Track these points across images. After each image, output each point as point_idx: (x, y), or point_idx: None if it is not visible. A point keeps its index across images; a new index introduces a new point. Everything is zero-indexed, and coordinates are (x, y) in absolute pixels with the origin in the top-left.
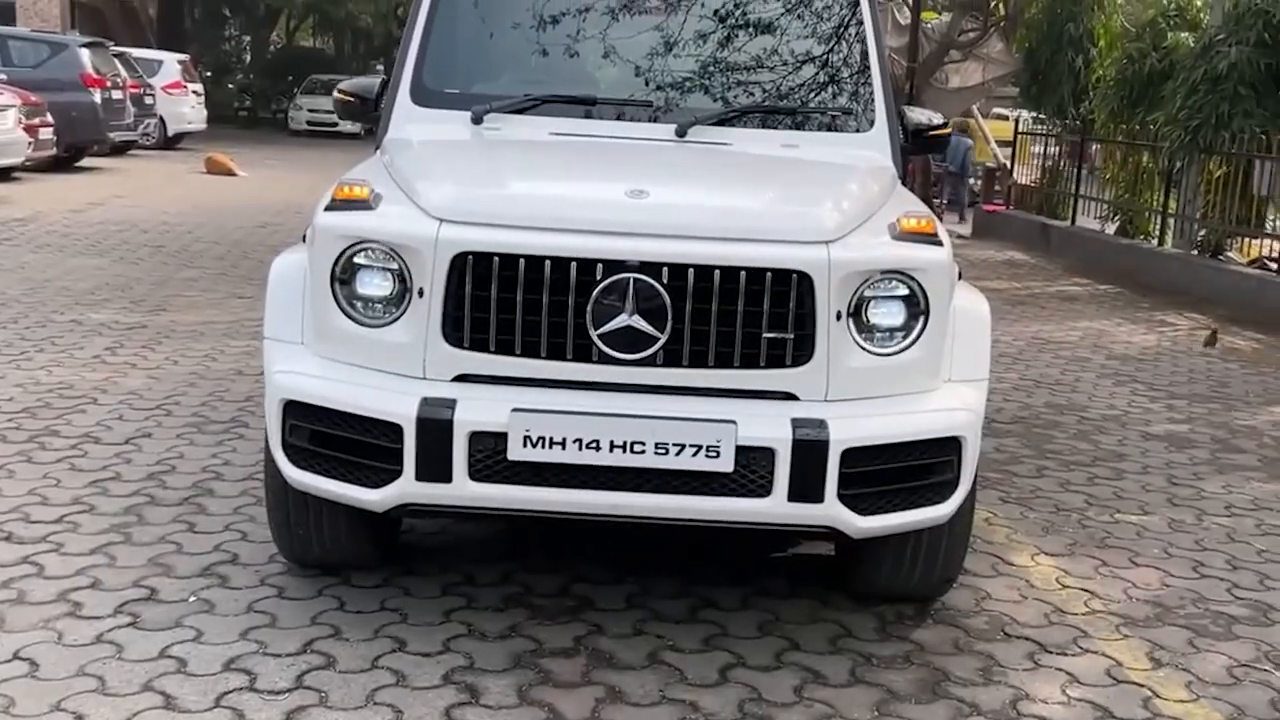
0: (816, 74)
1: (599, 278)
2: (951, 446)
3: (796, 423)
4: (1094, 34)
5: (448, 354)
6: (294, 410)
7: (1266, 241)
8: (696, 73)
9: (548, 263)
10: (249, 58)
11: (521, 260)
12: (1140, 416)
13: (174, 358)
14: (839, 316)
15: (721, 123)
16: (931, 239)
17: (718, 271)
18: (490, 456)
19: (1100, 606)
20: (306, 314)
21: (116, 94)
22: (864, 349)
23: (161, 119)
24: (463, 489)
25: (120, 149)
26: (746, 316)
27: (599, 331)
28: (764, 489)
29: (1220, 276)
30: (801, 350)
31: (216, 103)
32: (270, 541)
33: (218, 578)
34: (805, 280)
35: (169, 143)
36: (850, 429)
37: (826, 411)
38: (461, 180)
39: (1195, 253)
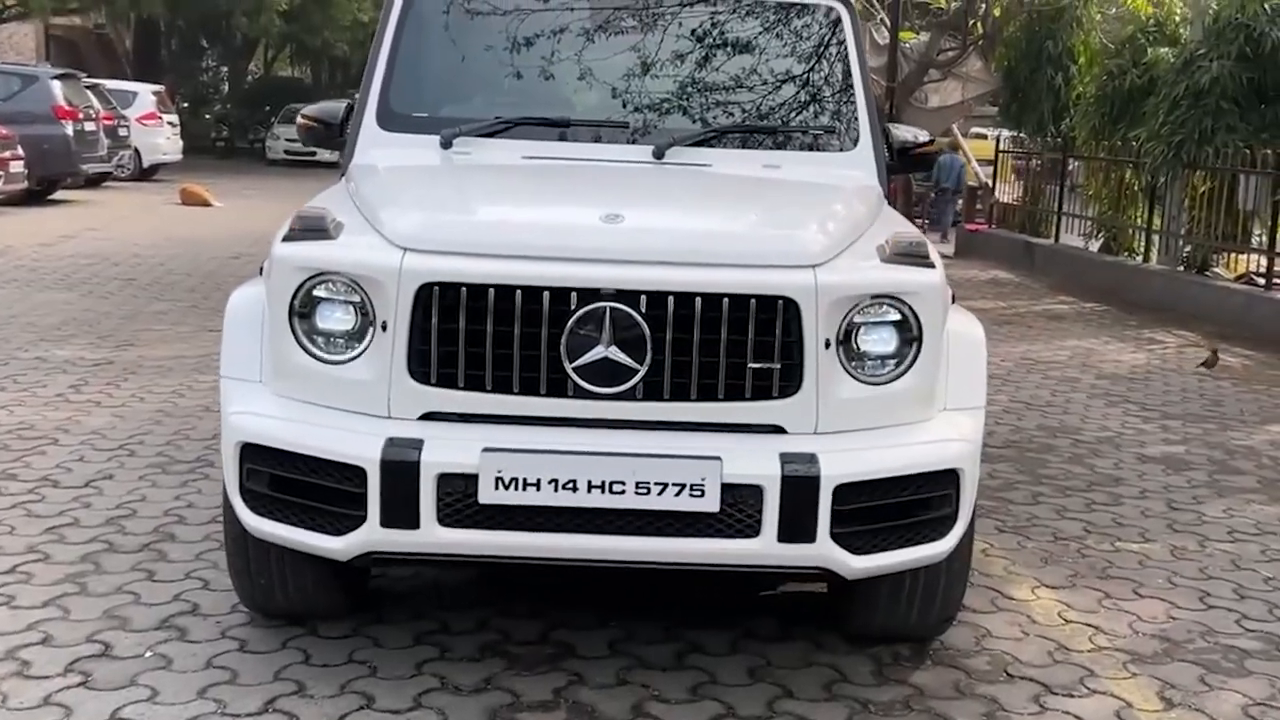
0: (798, 92)
1: (573, 307)
2: (949, 480)
3: (785, 458)
4: (1073, 51)
5: (413, 391)
6: (251, 453)
7: (1253, 256)
8: (674, 93)
9: (518, 292)
10: (226, 88)
11: (491, 290)
12: (1135, 438)
13: (140, 394)
14: (828, 344)
15: (701, 143)
16: (923, 261)
17: (699, 299)
18: (460, 500)
19: (1106, 642)
20: (265, 351)
21: (89, 126)
22: (854, 378)
23: (136, 150)
24: (431, 535)
25: (95, 181)
26: (730, 346)
27: (574, 364)
28: (752, 529)
29: (1207, 293)
30: (789, 381)
31: (193, 133)
32: (233, 590)
33: (176, 630)
34: (791, 307)
35: (144, 174)
36: (842, 463)
37: (817, 445)
38: (427, 207)
39: (1181, 269)
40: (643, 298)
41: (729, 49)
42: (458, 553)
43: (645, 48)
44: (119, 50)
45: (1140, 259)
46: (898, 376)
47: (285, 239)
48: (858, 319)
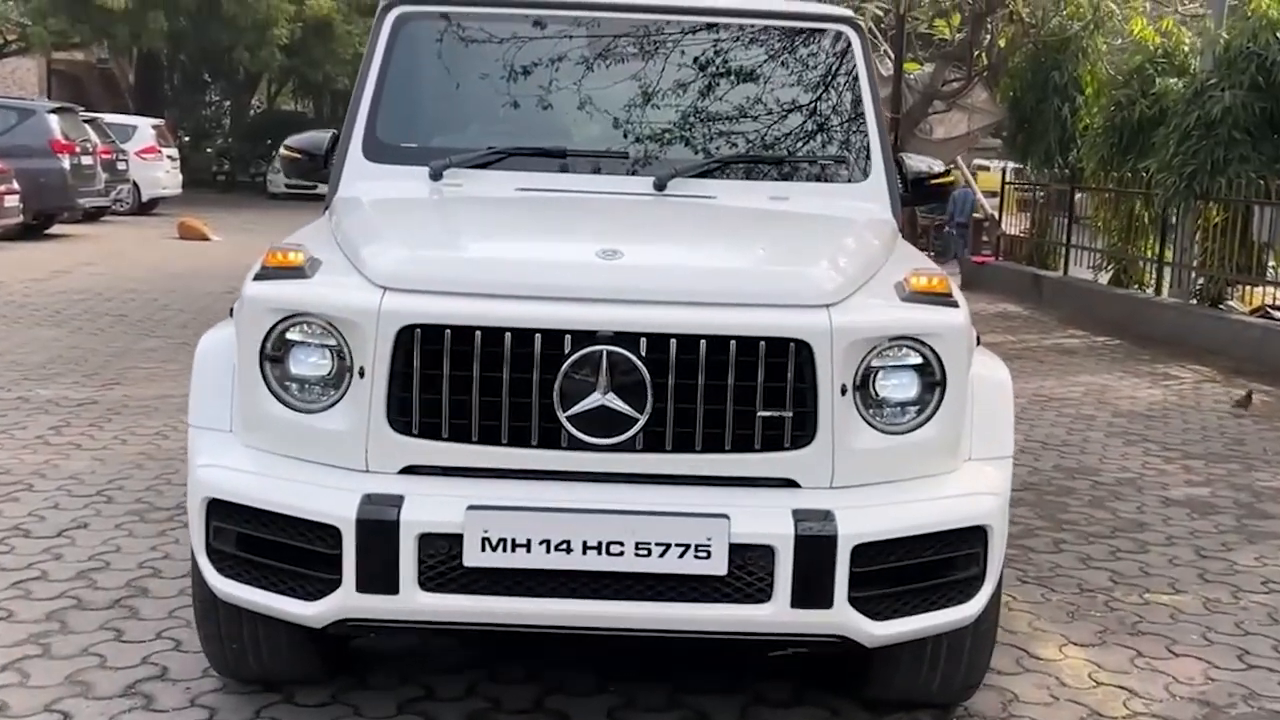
0: (806, 120)
1: (567, 351)
2: (976, 537)
3: (799, 515)
4: (1080, 82)
5: (393, 442)
6: (218, 511)
7: (1269, 290)
8: (676, 123)
9: (507, 335)
10: (229, 122)
11: (477, 333)
12: (1156, 479)
13: (123, 436)
14: (844, 390)
15: (704, 175)
16: (945, 299)
17: (704, 341)
18: (443, 562)
19: (1141, 708)
20: (234, 399)
21: (87, 159)
22: (873, 427)
23: (135, 184)
24: (412, 601)
25: (93, 216)
26: (738, 392)
27: (568, 413)
28: (763, 593)
29: (1222, 326)
30: (802, 430)
31: (194, 167)
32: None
33: (142, 698)
34: (804, 350)
35: (143, 208)
36: (861, 521)
37: (833, 500)
38: (411, 243)
39: (1194, 302)
40: (643, 340)
41: (733, 76)
42: (440, 620)
43: (645, 76)
44: (122, 85)
45: (1152, 292)
46: (919, 425)
47: (257, 277)
48: (875, 363)
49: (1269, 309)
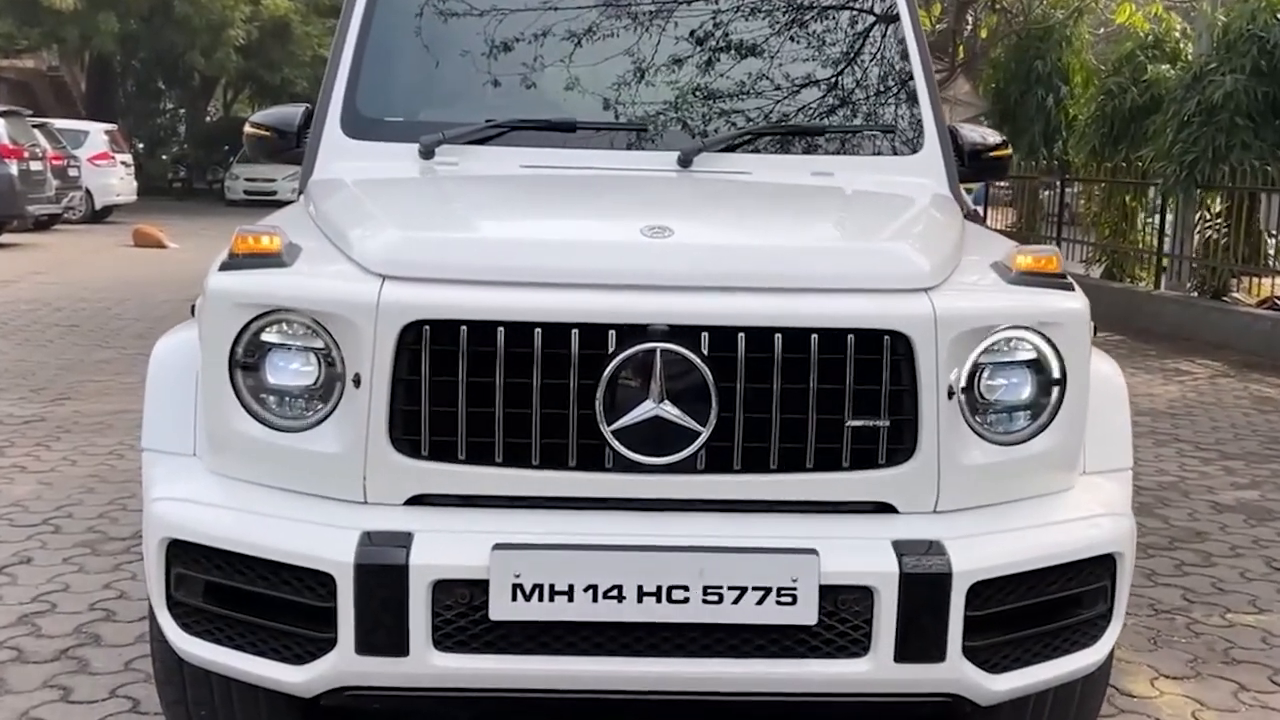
0: (849, 87)
1: (612, 349)
2: (1104, 568)
3: (902, 548)
4: (1065, 71)
5: (398, 467)
6: (181, 554)
7: (1277, 280)
8: (700, 91)
9: (538, 331)
10: (184, 129)
11: (500, 329)
12: (1200, 483)
13: (72, 457)
14: (950, 394)
15: (732, 149)
16: (1060, 281)
17: (779, 335)
18: (464, 615)
19: None
20: (199, 414)
21: (36, 165)
22: (982, 437)
23: (88, 191)
24: (425, 664)
25: (43, 224)
26: (821, 398)
27: (614, 426)
28: (860, 645)
29: (1228, 319)
30: (900, 443)
31: (150, 175)
32: None
33: None
34: (902, 343)
35: (97, 216)
36: (976, 554)
37: (940, 529)
38: (411, 223)
39: (1195, 294)
40: (704, 335)
41: (765, 39)
42: (462, 686)
43: (664, 38)
44: (74, 93)
45: (1149, 285)
46: (1036, 433)
47: (224, 267)
48: (983, 359)
49: (1276, 300)
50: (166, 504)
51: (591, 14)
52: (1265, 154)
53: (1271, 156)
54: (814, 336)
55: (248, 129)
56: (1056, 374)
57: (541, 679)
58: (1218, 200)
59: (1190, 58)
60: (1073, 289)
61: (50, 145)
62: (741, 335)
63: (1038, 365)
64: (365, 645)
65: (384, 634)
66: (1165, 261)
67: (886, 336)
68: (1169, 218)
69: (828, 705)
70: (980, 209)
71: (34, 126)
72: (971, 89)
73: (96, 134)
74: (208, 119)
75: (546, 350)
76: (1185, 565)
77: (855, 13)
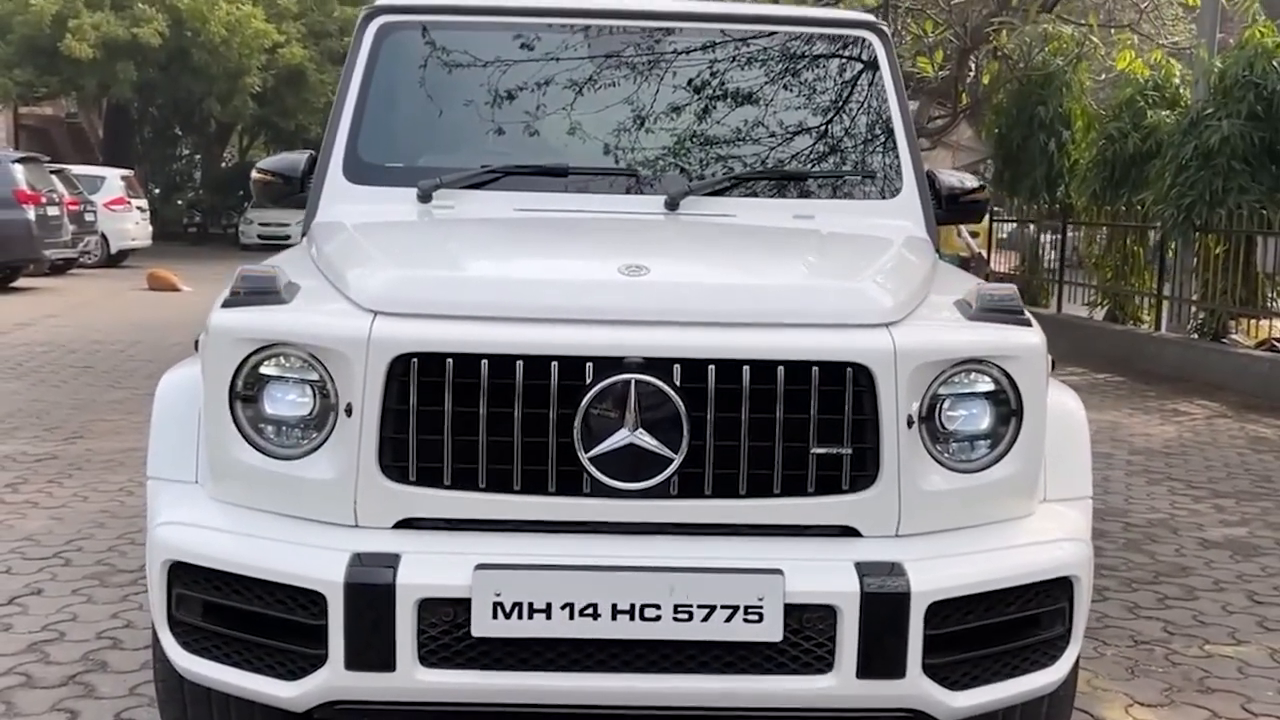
0: (829, 133)
1: (589, 381)
2: (1062, 590)
3: (863, 569)
4: (1067, 117)
5: (387, 492)
6: (182, 575)
7: (1275, 322)
8: (687, 138)
9: (519, 363)
10: (199, 175)
11: (484, 362)
12: (1189, 520)
13: (84, 493)
14: (910, 422)
15: (718, 193)
16: (1017, 316)
17: (747, 367)
18: (447, 632)
19: None
20: (201, 444)
21: (53, 210)
22: (941, 465)
23: (103, 236)
24: (411, 679)
25: (60, 269)
26: (788, 427)
27: (591, 454)
28: (824, 662)
29: (1227, 360)
30: (862, 469)
31: (166, 220)
32: None
33: None
34: (864, 375)
35: (112, 260)
36: (935, 575)
37: (901, 551)
38: (403, 263)
39: (1195, 336)
40: (676, 367)
41: (748, 87)
42: (445, 700)
43: (653, 88)
44: (91, 139)
45: (1150, 327)
46: (994, 461)
47: (225, 304)
48: (942, 390)
49: (1275, 342)
50: (169, 528)
51: (584, 66)
52: (1262, 197)
53: (1268, 200)
54: (780, 368)
55: (254, 175)
56: (1014, 405)
57: (521, 694)
58: (1216, 243)
59: (1189, 103)
60: (1030, 324)
61: (67, 190)
62: (712, 367)
63: (995, 397)
64: (354, 661)
65: (372, 650)
66: (1165, 304)
67: (849, 368)
68: (1168, 260)
69: None
70: (984, 253)
71: (51, 172)
72: (974, 134)
73: (113, 179)
74: (223, 165)
75: (528, 382)
76: (1168, 599)
77: (837, 63)
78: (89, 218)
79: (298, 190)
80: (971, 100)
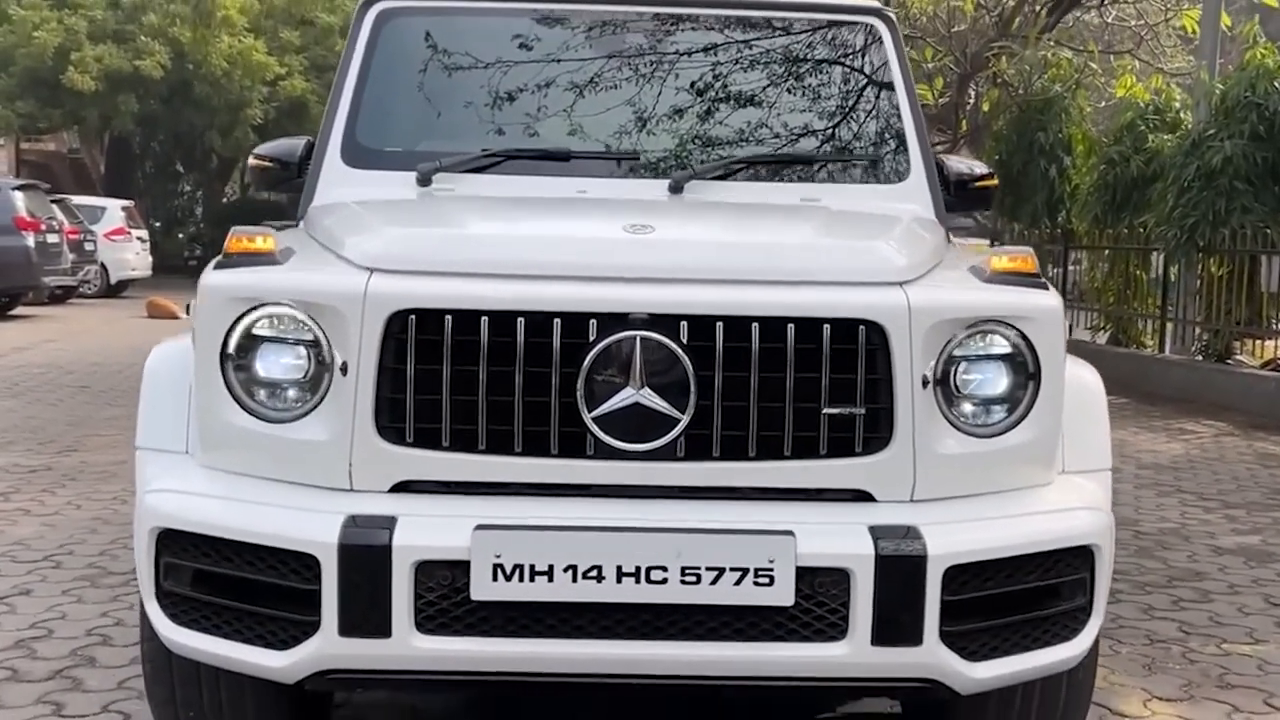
0: (836, 118)
1: (593, 338)
2: (1082, 560)
3: (878, 532)
4: (1067, 142)
5: (383, 453)
6: (171, 544)
7: None
8: (691, 123)
9: (520, 320)
10: (201, 210)
11: (484, 318)
12: (1201, 529)
13: (77, 502)
14: (925, 383)
15: (723, 177)
16: (1034, 280)
17: (757, 325)
18: (445, 597)
19: None
20: (192, 412)
21: (52, 238)
22: (957, 428)
23: (103, 266)
24: (407, 646)
25: (59, 298)
26: (799, 386)
27: (595, 413)
28: (837, 629)
29: (1233, 380)
30: (876, 431)
31: (166, 252)
32: None
33: None
34: (877, 333)
35: (112, 291)
36: (952, 539)
37: (916, 516)
38: (401, 223)
39: (1200, 358)
40: (683, 324)
41: (754, 73)
42: (443, 669)
43: (656, 73)
44: (93, 175)
45: (1154, 350)
46: (1011, 426)
47: (218, 266)
48: (958, 351)
49: None
50: (157, 495)
51: (586, 51)
52: (1265, 217)
53: (1271, 219)
54: (790, 326)
55: (251, 160)
56: (1031, 368)
57: (522, 661)
58: (1219, 264)
59: (1189, 126)
60: (1047, 288)
61: (67, 220)
62: (720, 325)
63: (1012, 359)
64: (348, 627)
65: (366, 615)
66: (1169, 325)
67: (862, 326)
68: (1171, 281)
69: (805, 692)
70: None
71: (52, 201)
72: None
73: (113, 209)
74: (224, 200)
75: (529, 339)
76: (1183, 601)
77: (844, 49)
78: (89, 247)
79: (295, 175)
80: (971, 127)
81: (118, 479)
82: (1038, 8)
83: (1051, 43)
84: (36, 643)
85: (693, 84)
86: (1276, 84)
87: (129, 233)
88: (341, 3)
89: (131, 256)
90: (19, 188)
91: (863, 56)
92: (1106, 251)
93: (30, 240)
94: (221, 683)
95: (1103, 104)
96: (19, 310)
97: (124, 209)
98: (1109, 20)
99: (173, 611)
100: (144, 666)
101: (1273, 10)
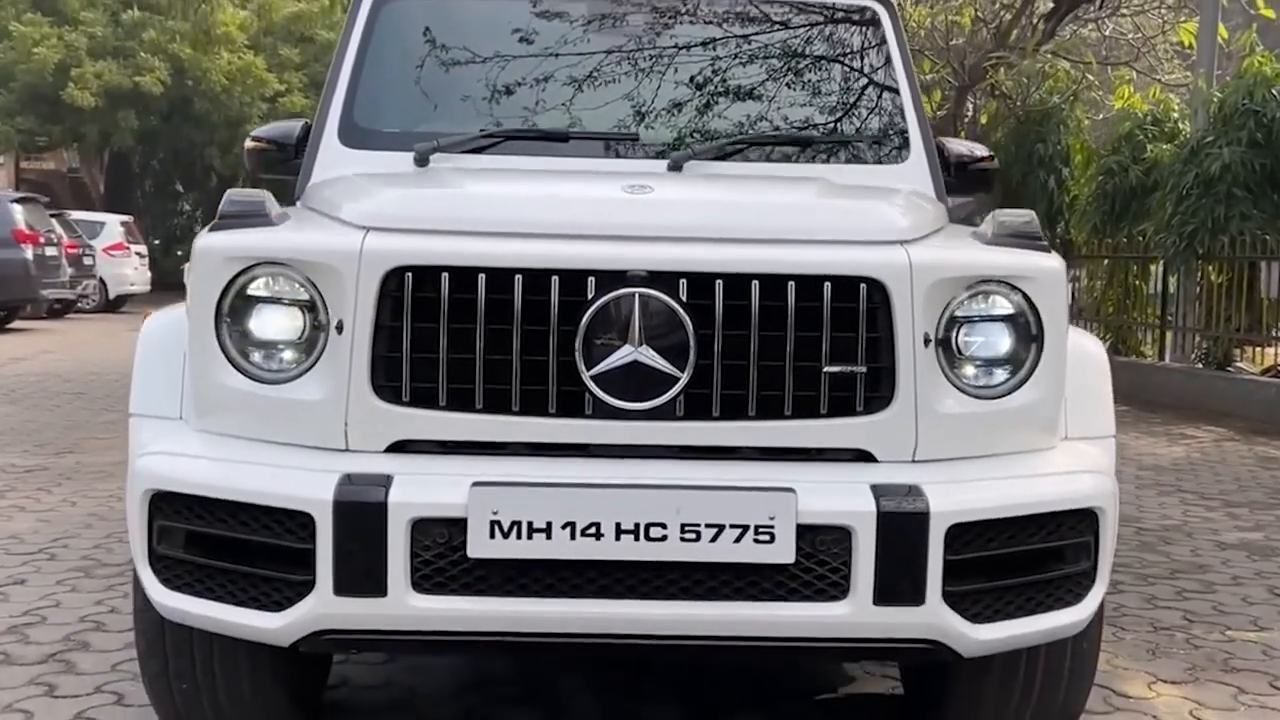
0: (835, 101)
1: (591, 296)
2: (1086, 523)
3: (880, 490)
4: (1066, 154)
5: (379, 413)
6: (164, 506)
7: None
8: (691, 104)
9: (518, 278)
10: (200, 228)
11: (482, 276)
12: (1204, 526)
13: (73, 499)
14: (926, 341)
15: (723, 157)
16: (1035, 242)
17: (756, 282)
18: (442, 555)
19: None
20: (187, 377)
21: (51, 251)
22: (959, 389)
23: (102, 281)
24: (403, 605)
25: (57, 313)
26: (799, 345)
27: (594, 372)
28: (839, 588)
29: (1233, 387)
30: (877, 390)
31: (165, 270)
32: (149, 704)
33: None
34: (878, 291)
35: (110, 306)
36: (955, 497)
37: (918, 475)
38: (399, 186)
39: (1200, 365)
40: (683, 282)
41: (754, 55)
42: (439, 629)
43: (655, 54)
44: (92, 194)
45: (1154, 358)
46: (1014, 388)
47: (213, 228)
48: (960, 312)
49: None
50: (151, 458)
51: (585, 32)
52: (1264, 224)
53: (1270, 226)
54: (791, 284)
55: (249, 144)
56: (1034, 330)
57: (519, 621)
58: (1219, 271)
59: (1188, 135)
60: (1049, 251)
61: (66, 234)
62: (720, 283)
63: (1014, 321)
64: (343, 586)
65: (362, 574)
66: (1168, 334)
67: (863, 284)
68: (1171, 289)
69: (806, 652)
70: None
71: (50, 215)
72: None
73: (112, 225)
74: None
75: (527, 297)
76: (1186, 592)
77: (844, 32)
78: (88, 261)
79: (292, 157)
80: (970, 138)
81: (114, 478)
82: (1035, 20)
83: (1049, 55)
84: (30, 629)
85: (692, 66)
86: (1274, 91)
87: (128, 248)
88: (340, 20)
89: (130, 272)
90: (18, 200)
91: (863, 41)
92: (1105, 261)
93: (29, 253)
94: (215, 653)
95: (1100, 117)
96: (17, 324)
97: (123, 224)
98: (1106, 34)
99: (166, 576)
100: (137, 640)
101: (1270, 22)
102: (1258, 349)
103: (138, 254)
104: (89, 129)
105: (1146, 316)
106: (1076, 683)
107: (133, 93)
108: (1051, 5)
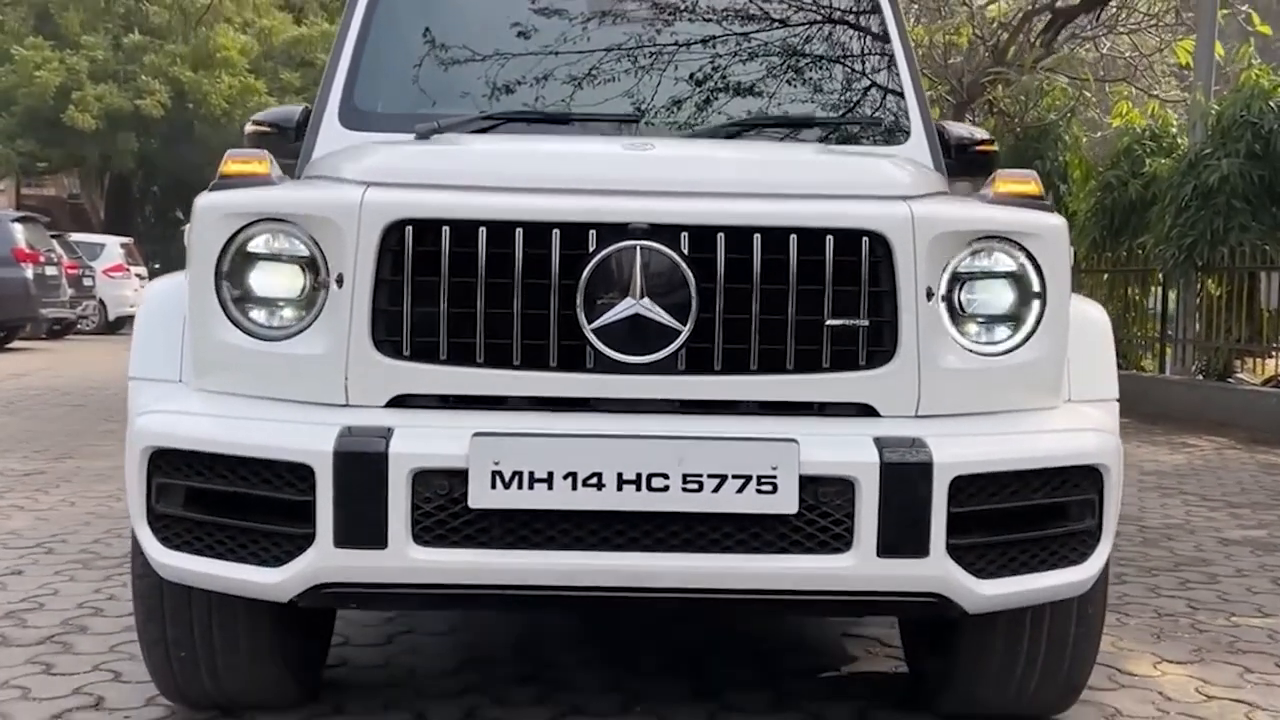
0: (835, 82)
1: (592, 249)
2: (1090, 481)
3: (883, 442)
4: (1064, 170)
5: (380, 367)
6: (163, 464)
7: None
8: (692, 86)
9: (519, 231)
10: None
11: (482, 229)
12: (1206, 525)
13: (71, 499)
14: (929, 295)
15: (724, 139)
16: (1038, 201)
17: (758, 235)
18: (443, 507)
19: None
20: (187, 339)
21: (51, 270)
22: (962, 345)
23: (102, 302)
24: (403, 557)
25: (57, 333)
26: (801, 298)
27: (595, 325)
28: (842, 540)
29: (1234, 398)
30: (879, 344)
31: None
32: (149, 678)
33: None
34: (881, 244)
35: (110, 327)
36: (958, 449)
37: (921, 428)
38: (399, 146)
39: (1200, 377)
40: (684, 235)
41: (754, 37)
42: (440, 582)
43: (656, 37)
44: (93, 219)
45: (1154, 371)
46: (1017, 345)
47: (214, 188)
48: (963, 268)
49: None
50: (150, 416)
51: (587, 14)
52: (1263, 235)
53: (1269, 237)
54: (793, 237)
55: (249, 128)
56: (1036, 287)
57: (520, 573)
58: (1218, 283)
59: (1186, 149)
60: (1052, 209)
61: (66, 255)
62: (721, 235)
63: (1016, 278)
64: (344, 538)
65: (363, 526)
66: (1169, 345)
67: (865, 238)
68: (1171, 302)
69: (815, 606)
70: None
71: (51, 237)
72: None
73: (112, 246)
74: None
75: (528, 250)
76: (1190, 582)
77: (842, 14)
78: (87, 282)
79: (292, 140)
80: None
81: (112, 480)
82: (1033, 37)
83: (1046, 72)
84: (28, 614)
85: (693, 48)
86: (1271, 104)
87: (128, 270)
88: None
89: (130, 293)
90: (18, 220)
91: (862, 23)
92: (1105, 276)
93: (29, 272)
94: (214, 617)
95: (1099, 135)
96: (16, 344)
97: (123, 246)
98: (1103, 52)
99: (165, 535)
100: (135, 608)
101: (1266, 38)
102: (1258, 360)
103: (138, 275)
104: (89, 152)
105: (1146, 331)
106: (1081, 650)
107: (133, 116)
108: (1049, 18)
